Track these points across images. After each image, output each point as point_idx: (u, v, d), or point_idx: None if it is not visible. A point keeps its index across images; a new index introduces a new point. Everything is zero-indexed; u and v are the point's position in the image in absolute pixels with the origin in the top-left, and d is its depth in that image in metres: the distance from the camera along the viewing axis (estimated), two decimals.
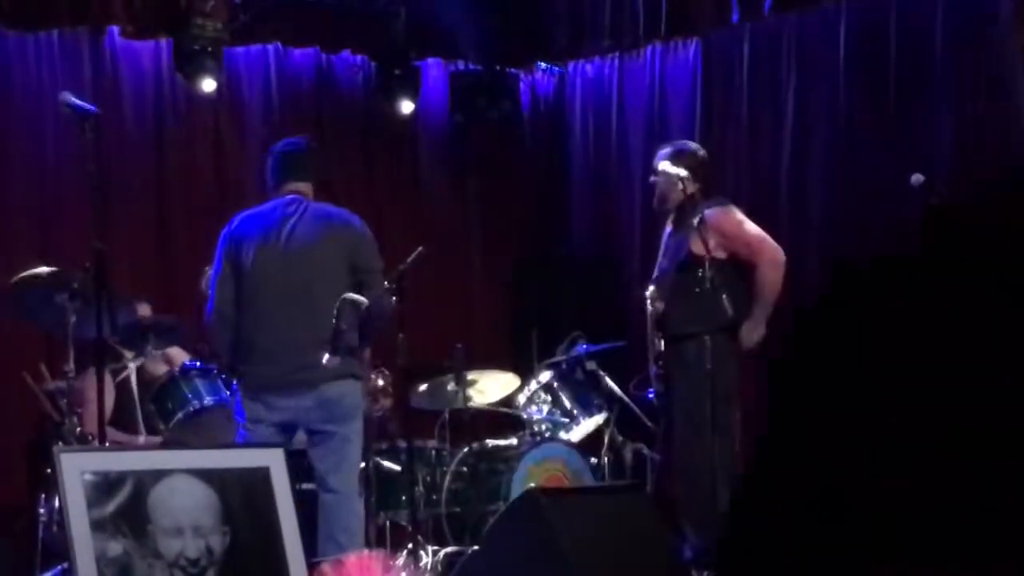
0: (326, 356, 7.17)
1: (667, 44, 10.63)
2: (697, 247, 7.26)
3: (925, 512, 2.78)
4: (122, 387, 8.33)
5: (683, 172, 7.32)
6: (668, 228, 7.72)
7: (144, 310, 8.09)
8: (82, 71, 9.39)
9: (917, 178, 7.65)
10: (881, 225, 9.55)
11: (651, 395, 7.93)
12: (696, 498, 7.15)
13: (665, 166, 7.50)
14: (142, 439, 8.13)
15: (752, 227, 7.56)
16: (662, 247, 7.75)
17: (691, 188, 7.40)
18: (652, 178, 7.77)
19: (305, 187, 6.84)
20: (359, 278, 6.54)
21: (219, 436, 7.02)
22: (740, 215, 7.60)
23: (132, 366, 8.31)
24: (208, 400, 7.67)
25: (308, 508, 6.06)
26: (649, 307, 7.62)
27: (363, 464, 8.13)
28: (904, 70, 9.56)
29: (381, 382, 7.61)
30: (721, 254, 7.33)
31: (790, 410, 3.02)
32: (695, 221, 7.09)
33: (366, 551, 4.68)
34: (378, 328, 6.70)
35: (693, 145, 8.00)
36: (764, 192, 10.12)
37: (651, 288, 7.62)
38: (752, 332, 7.43)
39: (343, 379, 6.50)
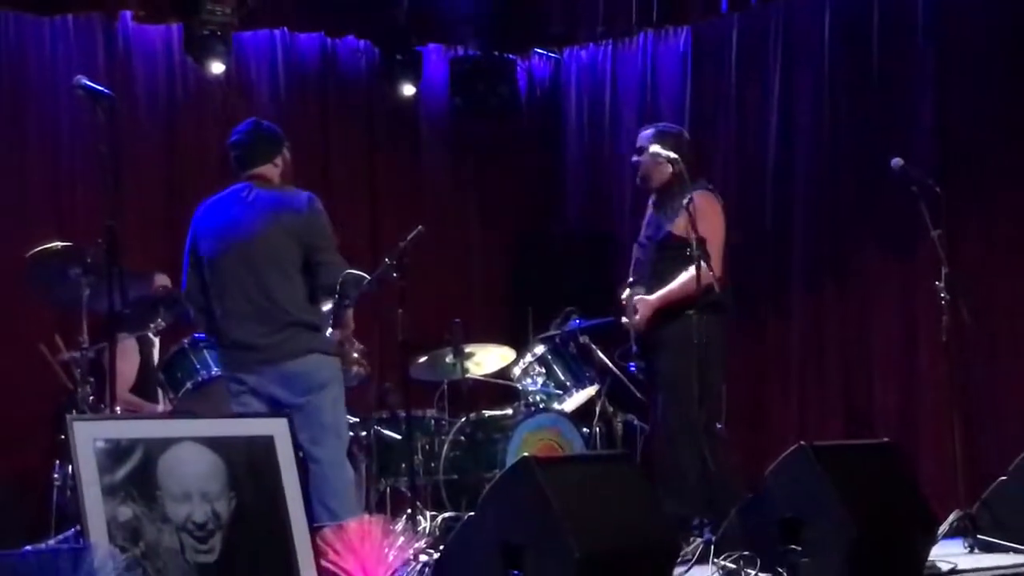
0: (329, 330, 7.17)
1: (658, 32, 10.63)
2: (679, 228, 7.26)
3: None
4: (145, 353, 8.35)
5: (672, 154, 7.30)
6: (650, 208, 7.67)
7: (162, 280, 8.06)
8: (96, 54, 9.37)
9: (897, 161, 7.66)
10: (862, 205, 9.56)
11: (632, 368, 7.95)
12: (674, 470, 7.13)
13: (655, 148, 7.47)
14: (160, 407, 8.15)
15: (719, 234, 7.43)
16: (643, 225, 7.71)
17: (677, 169, 7.39)
18: (635, 158, 7.69)
19: (262, 171, 6.73)
20: (311, 257, 6.50)
21: (225, 405, 7.01)
22: (720, 213, 7.50)
23: (156, 339, 8.34)
24: (216, 371, 7.65)
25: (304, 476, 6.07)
26: (627, 290, 7.62)
27: (364, 433, 8.17)
28: (885, 57, 9.57)
29: (355, 354, 7.62)
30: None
31: None
32: (685, 202, 7.07)
33: (365, 515, 4.67)
34: (346, 301, 6.66)
35: (678, 127, 7.94)
36: (751, 173, 10.14)
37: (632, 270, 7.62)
38: (644, 308, 7.42)
39: (304, 355, 6.49)
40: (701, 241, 6.92)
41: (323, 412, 6.48)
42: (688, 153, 7.53)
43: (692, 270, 6.97)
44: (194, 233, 6.73)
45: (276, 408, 6.36)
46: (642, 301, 7.46)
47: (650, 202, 7.68)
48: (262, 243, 6.50)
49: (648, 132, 7.68)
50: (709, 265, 6.92)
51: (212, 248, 6.62)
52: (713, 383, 7.14)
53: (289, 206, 6.57)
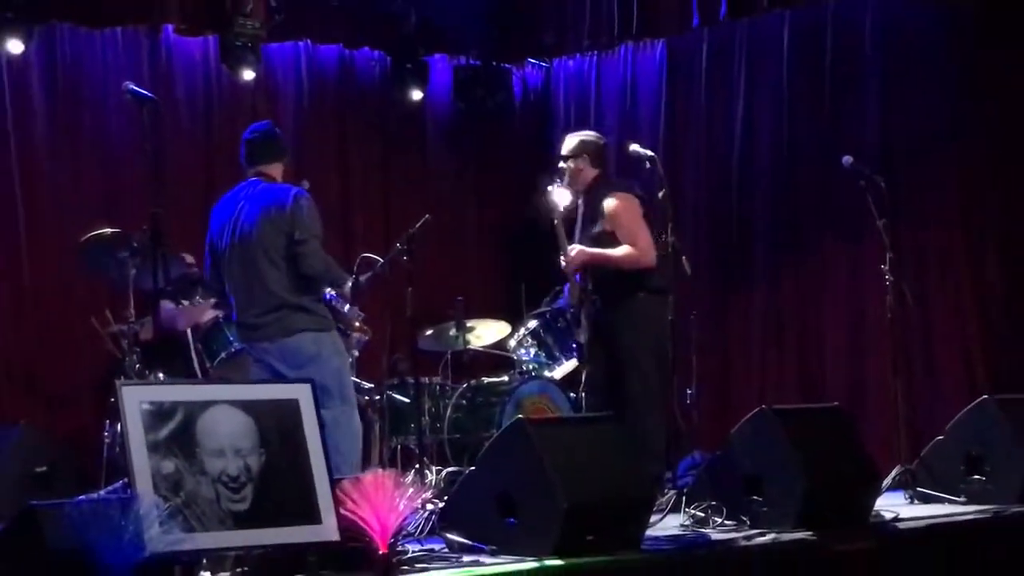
0: (347, 307, 7.17)
1: (637, 44, 10.59)
2: (606, 225, 7.28)
3: None
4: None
5: (573, 164, 7.38)
6: (580, 208, 7.55)
7: (189, 259, 8.02)
8: (141, 63, 9.34)
9: (847, 159, 7.65)
10: (816, 197, 9.55)
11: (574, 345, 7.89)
12: (643, 435, 7.03)
13: (569, 164, 7.44)
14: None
15: (635, 225, 7.30)
16: (578, 227, 7.55)
17: (592, 173, 7.41)
18: (560, 164, 7.57)
19: (268, 168, 6.72)
20: (294, 249, 6.48)
21: (254, 373, 7.01)
22: (635, 208, 7.35)
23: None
24: None
25: None
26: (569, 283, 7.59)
27: (377, 397, 8.17)
28: (837, 67, 9.56)
29: (357, 323, 7.66)
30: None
31: None
32: (603, 205, 7.16)
33: (378, 470, 4.66)
34: (327, 284, 6.75)
35: (593, 134, 7.79)
36: (719, 169, 10.13)
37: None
38: (581, 253, 7.31)
39: (296, 333, 6.48)
40: (677, 236, 6.91)
41: (321, 380, 6.45)
42: (601, 155, 7.52)
43: (627, 248, 7.10)
44: (210, 227, 6.73)
45: (277, 378, 6.37)
46: (579, 249, 7.34)
47: (580, 202, 7.55)
48: (255, 233, 6.51)
49: (571, 141, 7.59)
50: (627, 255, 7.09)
51: (221, 239, 6.63)
52: (666, 354, 7.11)
53: (276, 199, 6.55)
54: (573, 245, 7.39)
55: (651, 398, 7.17)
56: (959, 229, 9.02)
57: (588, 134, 7.75)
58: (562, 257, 7.45)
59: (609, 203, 7.27)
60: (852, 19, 9.49)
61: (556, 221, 7.55)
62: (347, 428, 6.48)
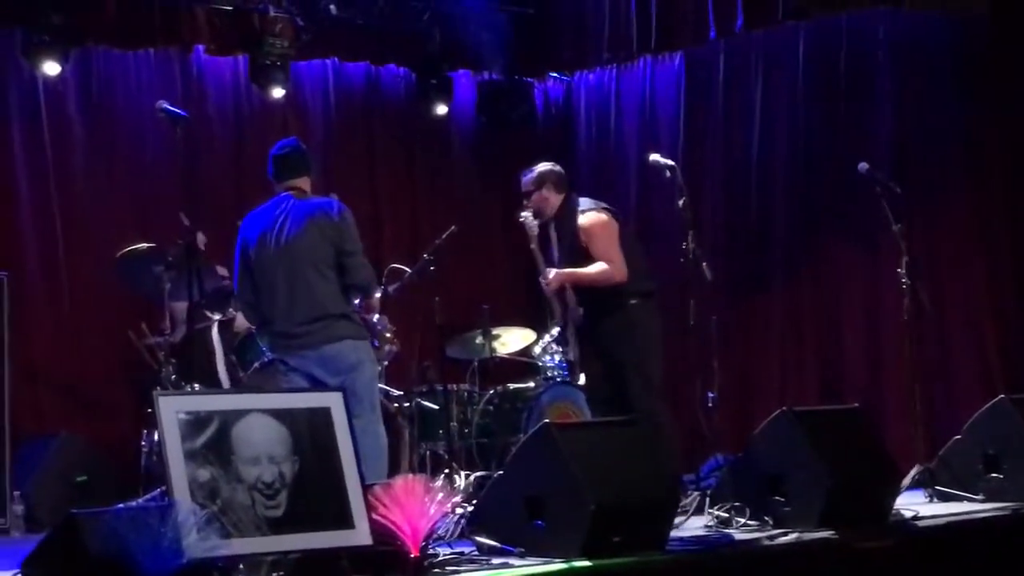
0: (376, 317, 7.18)
1: (656, 57, 10.58)
2: (580, 243, 7.38)
3: None
4: (202, 340, 8.34)
5: (538, 195, 7.55)
6: (552, 235, 7.65)
7: (222, 271, 8.03)
8: (174, 82, 9.39)
9: (863, 165, 7.63)
10: (832, 203, 9.52)
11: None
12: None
13: (533, 197, 7.57)
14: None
15: (608, 242, 7.38)
16: (553, 244, 7.65)
17: (557, 199, 7.54)
18: (525, 201, 7.67)
19: (298, 182, 6.69)
20: (340, 258, 6.48)
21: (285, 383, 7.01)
22: (608, 225, 7.43)
23: (215, 326, 8.32)
24: None
25: None
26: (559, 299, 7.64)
27: (407, 403, 8.17)
28: (852, 77, 9.54)
29: (388, 334, 7.66)
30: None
31: None
32: (577, 226, 7.30)
33: (408, 475, 4.66)
34: (364, 295, 6.77)
35: (548, 165, 7.79)
36: (737, 177, 10.12)
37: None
38: (558, 275, 7.41)
39: (338, 341, 6.46)
40: (697, 243, 6.93)
41: (356, 388, 6.46)
42: (563, 182, 7.65)
43: (601, 264, 7.23)
44: (243, 240, 6.66)
45: (316, 386, 6.36)
46: (555, 272, 7.45)
47: (551, 229, 7.65)
48: (300, 245, 6.46)
49: (528, 177, 7.69)
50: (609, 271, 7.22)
51: (258, 252, 6.57)
52: (660, 356, 7.22)
53: (324, 212, 6.53)
54: (549, 269, 7.48)
55: (655, 400, 7.19)
56: (973, 233, 8.99)
57: (544, 165, 7.79)
58: (541, 279, 7.57)
59: (582, 221, 7.42)
60: (866, 30, 9.47)
61: (532, 246, 7.70)
62: (375, 437, 6.46)
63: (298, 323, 6.47)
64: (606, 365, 7.39)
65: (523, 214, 7.67)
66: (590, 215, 7.40)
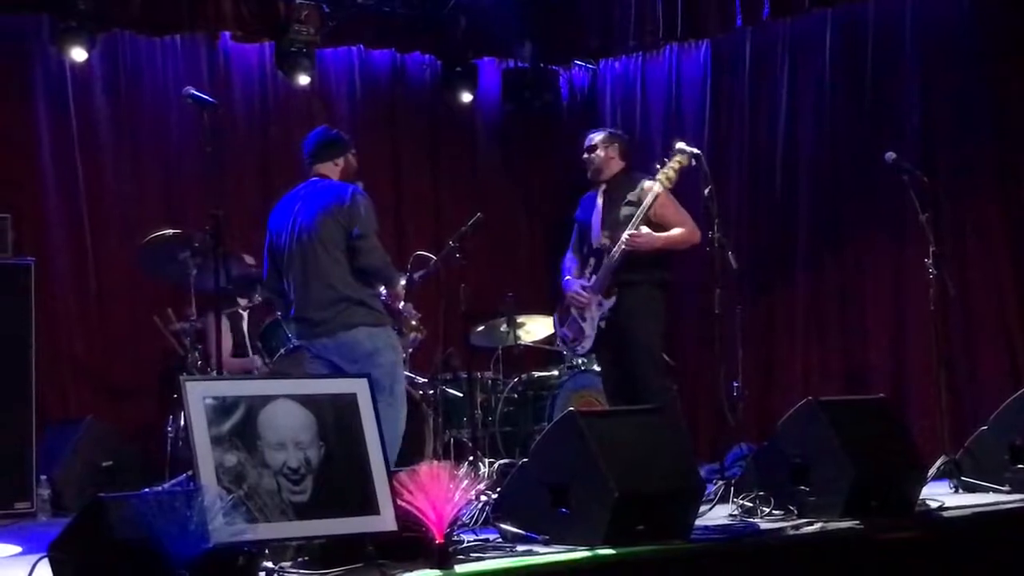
0: (402, 304, 7.18)
1: (682, 45, 10.54)
2: (650, 210, 7.18)
3: None
4: (236, 325, 8.39)
5: (604, 153, 7.42)
6: (599, 198, 7.48)
7: (249, 260, 8.05)
8: (200, 68, 9.40)
9: (890, 155, 7.59)
10: (859, 192, 9.48)
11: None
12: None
13: (598, 152, 7.44)
14: (254, 361, 8.18)
15: (679, 207, 7.31)
16: (596, 212, 7.46)
17: (620, 164, 7.44)
18: (585, 156, 7.55)
19: (322, 168, 6.69)
20: (349, 242, 6.44)
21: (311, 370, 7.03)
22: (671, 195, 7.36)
23: (245, 314, 8.37)
24: None
25: None
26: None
27: (431, 391, 8.18)
28: (878, 65, 9.49)
29: (414, 322, 7.65)
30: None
31: None
32: (645, 191, 7.16)
33: (431, 462, 4.66)
34: (381, 281, 6.63)
35: (620, 131, 7.82)
36: (763, 165, 10.08)
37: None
38: (647, 236, 7.15)
39: (355, 327, 6.43)
40: (723, 231, 6.88)
41: (373, 376, 6.46)
42: (630, 150, 7.57)
43: (681, 229, 7.18)
44: (269, 230, 6.70)
45: (335, 372, 6.37)
46: (648, 232, 7.17)
47: (599, 193, 7.47)
48: (315, 229, 6.46)
49: (600, 132, 7.60)
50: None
51: (281, 240, 6.59)
52: (665, 343, 7.30)
53: (335, 195, 6.52)
54: (648, 234, 7.20)
55: (665, 385, 7.18)
56: (1001, 222, 8.93)
57: (616, 131, 7.79)
58: (627, 234, 7.18)
59: (655, 187, 7.21)
60: (892, 16, 9.42)
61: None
62: (393, 422, 6.45)
63: (315, 308, 6.46)
64: (624, 348, 7.32)
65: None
66: (657, 186, 7.29)
